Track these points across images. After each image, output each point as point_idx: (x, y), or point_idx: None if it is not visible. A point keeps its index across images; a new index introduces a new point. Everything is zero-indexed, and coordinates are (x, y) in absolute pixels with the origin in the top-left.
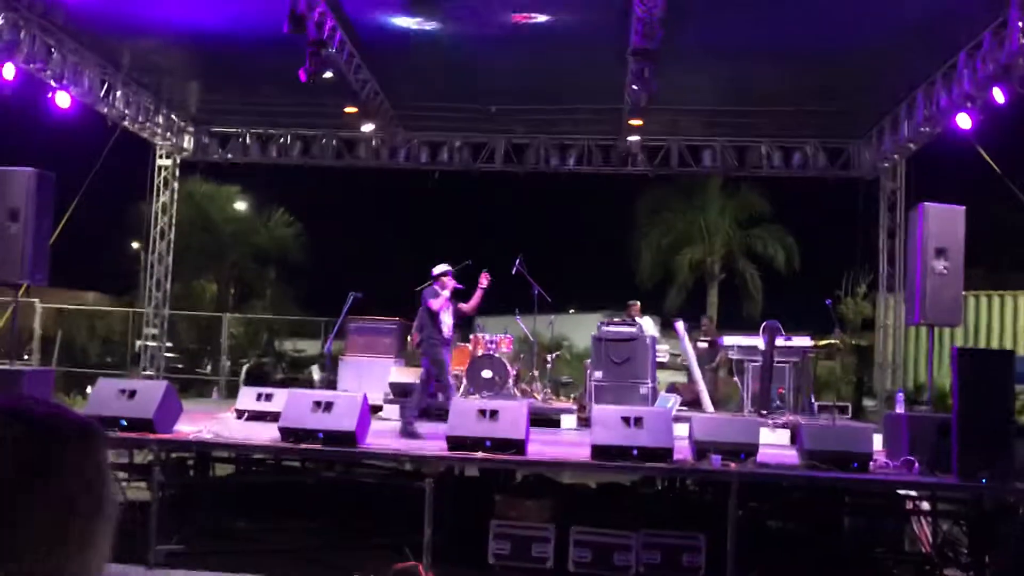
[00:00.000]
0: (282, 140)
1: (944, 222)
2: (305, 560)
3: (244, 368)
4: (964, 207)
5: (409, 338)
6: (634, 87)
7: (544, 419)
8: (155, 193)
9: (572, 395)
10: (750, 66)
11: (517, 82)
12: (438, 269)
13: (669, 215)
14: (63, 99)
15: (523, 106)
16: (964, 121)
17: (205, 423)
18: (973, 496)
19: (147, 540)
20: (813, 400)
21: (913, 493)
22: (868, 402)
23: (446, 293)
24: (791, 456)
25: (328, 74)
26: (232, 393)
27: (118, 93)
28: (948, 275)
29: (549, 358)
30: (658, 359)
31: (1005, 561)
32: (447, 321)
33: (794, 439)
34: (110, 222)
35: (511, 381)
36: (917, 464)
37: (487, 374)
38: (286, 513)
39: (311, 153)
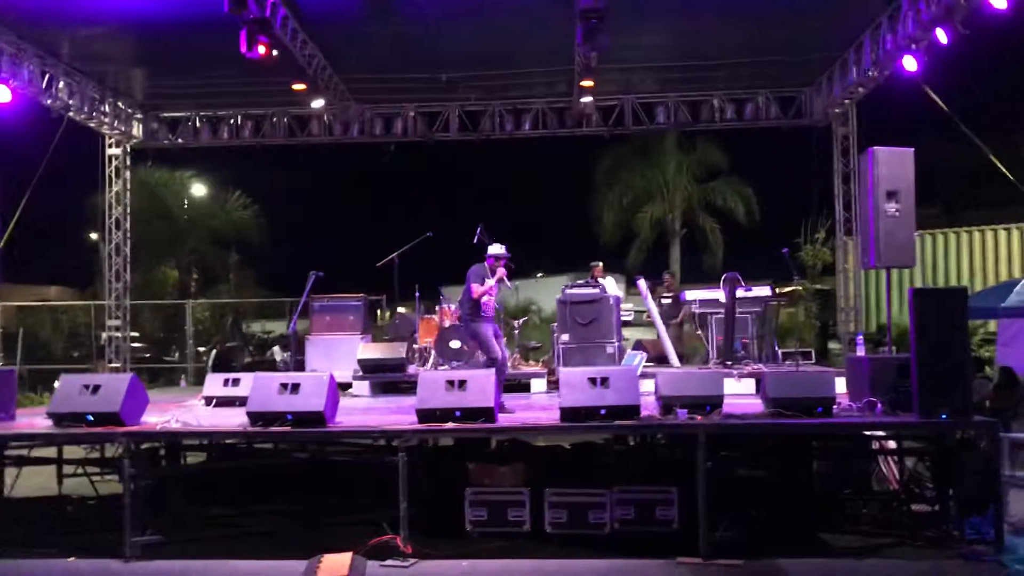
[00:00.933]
0: (233, 121)
1: (894, 165)
2: (282, 542)
3: (212, 353)
4: (913, 149)
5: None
6: (584, 47)
7: (515, 384)
8: (107, 183)
9: (541, 359)
10: (698, 21)
11: (467, 48)
12: (495, 249)
13: (627, 174)
14: (3, 93)
15: (475, 72)
16: (910, 63)
17: (173, 412)
18: (934, 433)
19: (122, 533)
20: (777, 348)
21: (879, 433)
22: (833, 346)
23: (491, 282)
24: (757, 405)
25: (273, 52)
26: (200, 380)
27: (60, 84)
28: (900, 217)
29: (516, 324)
30: (623, 318)
31: (968, 493)
32: (490, 300)
33: (759, 388)
34: (66, 215)
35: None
36: (879, 405)
37: (455, 344)
38: (261, 497)
39: (263, 133)
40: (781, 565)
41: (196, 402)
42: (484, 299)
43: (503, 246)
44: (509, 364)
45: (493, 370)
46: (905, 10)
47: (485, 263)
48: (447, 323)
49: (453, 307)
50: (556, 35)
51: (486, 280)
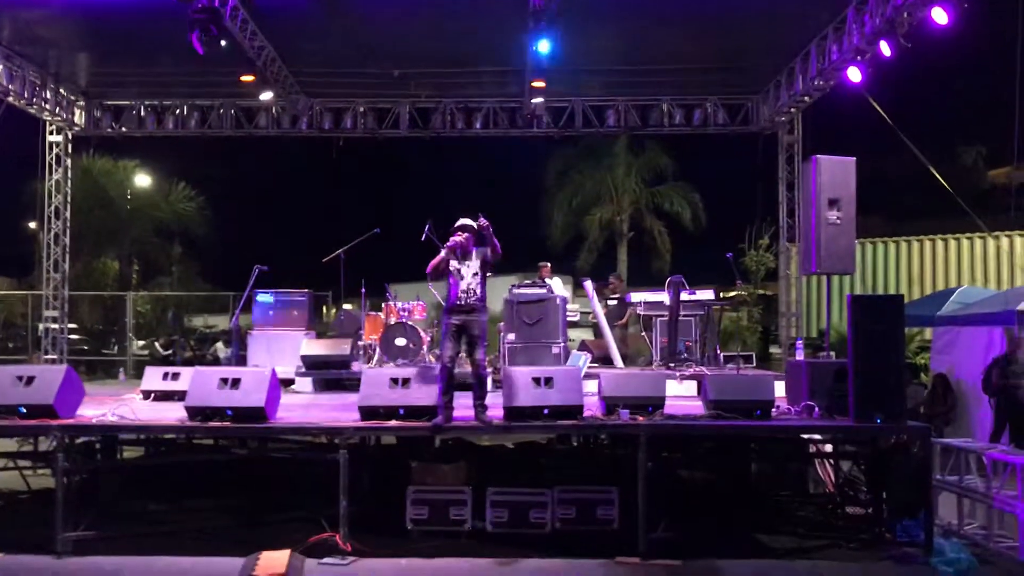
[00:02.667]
0: (179, 111)
1: (836, 173)
2: (219, 538)
3: (157, 344)
4: (855, 158)
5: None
6: (534, 49)
7: (460, 383)
8: (48, 171)
9: (487, 358)
10: (648, 27)
11: (420, 45)
12: (462, 220)
13: (577, 176)
14: None
15: (427, 69)
16: (854, 74)
17: (110, 406)
18: (869, 437)
19: (54, 528)
20: (719, 351)
21: (816, 437)
22: (774, 350)
23: (442, 252)
24: (698, 407)
25: (222, 42)
26: (140, 374)
27: (0, 67)
28: (841, 224)
29: None
30: (569, 318)
31: (900, 496)
32: (458, 284)
33: (700, 390)
34: (4, 203)
35: (425, 348)
36: (817, 409)
37: (401, 342)
38: (199, 493)
39: (209, 124)
40: (718, 565)
41: (134, 396)
42: (458, 283)
43: (466, 218)
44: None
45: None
46: (850, 22)
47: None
48: (392, 320)
49: (399, 304)
50: (508, 34)
51: (440, 255)
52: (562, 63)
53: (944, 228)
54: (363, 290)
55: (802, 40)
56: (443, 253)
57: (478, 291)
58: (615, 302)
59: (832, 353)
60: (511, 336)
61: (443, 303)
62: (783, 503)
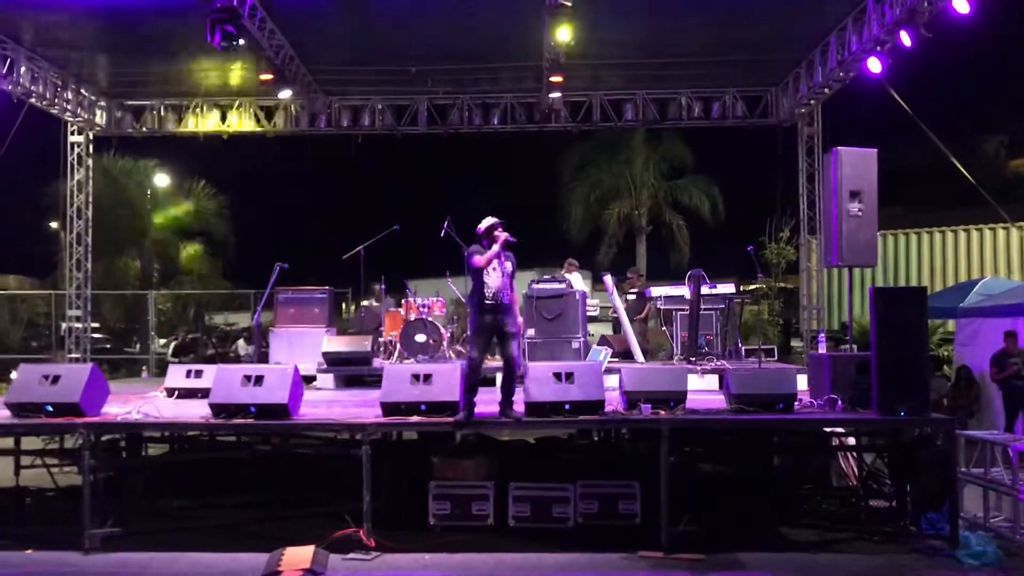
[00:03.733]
0: (198, 111)
1: (857, 165)
2: (244, 534)
3: (172, 345)
4: (876, 150)
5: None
6: (553, 43)
7: (481, 379)
8: (70, 171)
9: None
10: (666, 19)
11: (437, 42)
12: (485, 222)
13: (595, 170)
14: None
15: (444, 66)
16: (874, 65)
17: (135, 403)
18: (893, 429)
19: (81, 525)
20: (740, 345)
21: (838, 430)
22: (795, 343)
23: (496, 247)
24: (719, 401)
25: (241, 41)
26: (163, 372)
27: (22, 69)
28: (863, 216)
29: None
30: (588, 313)
31: (924, 489)
32: (491, 283)
33: (722, 384)
34: (26, 203)
35: (445, 344)
36: (839, 402)
37: (421, 338)
38: (223, 489)
39: (228, 123)
40: (741, 559)
41: (158, 393)
42: (492, 282)
43: (488, 219)
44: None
45: (460, 363)
46: (870, 12)
47: (479, 244)
48: (412, 316)
49: (419, 300)
50: (526, 30)
51: (488, 253)
52: (580, 57)
53: (966, 219)
54: (383, 287)
55: (821, 31)
56: (497, 248)
57: (510, 291)
58: (634, 296)
59: (854, 346)
60: (531, 331)
61: (468, 300)
62: (806, 496)
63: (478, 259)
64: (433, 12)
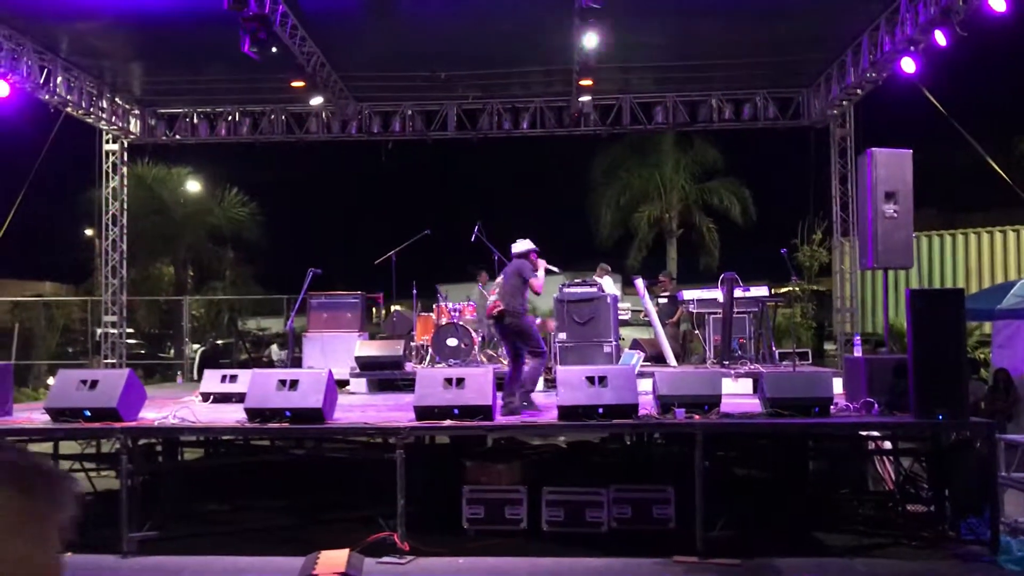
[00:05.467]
0: (231, 118)
1: (892, 166)
2: (279, 538)
3: (198, 352)
4: (911, 151)
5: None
6: (581, 47)
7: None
8: (104, 179)
9: None
10: (697, 21)
11: (466, 47)
12: (525, 245)
13: (625, 173)
14: (1, 88)
15: (473, 71)
16: (908, 65)
17: (170, 408)
18: (931, 433)
19: (119, 528)
20: (774, 348)
21: (874, 433)
22: (829, 346)
23: (542, 272)
24: (754, 405)
25: (273, 49)
26: (197, 376)
27: (59, 79)
28: (898, 218)
29: None
30: (620, 317)
31: (963, 493)
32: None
33: (756, 388)
34: (62, 211)
35: (476, 348)
36: (876, 405)
37: (452, 342)
38: (258, 493)
39: (261, 130)
40: (777, 564)
41: (193, 398)
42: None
43: (527, 239)
44: (505, 363)
45: (492, 368)
46: (903, 12)
47: (523, 261)
48: (444, 321)
49: (450, 305)
50: (555, 34)
51: (537, 274)
52: (609, 60)
53: (1002, 220)
54: (414, 291)
55: (853, 31)
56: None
57: None
58: (665, 300)
59: (893, 347)
60: (562, 335)
61: (518, 307)
62: (842, 501)
63: (536, 283)
64: (462, 17)
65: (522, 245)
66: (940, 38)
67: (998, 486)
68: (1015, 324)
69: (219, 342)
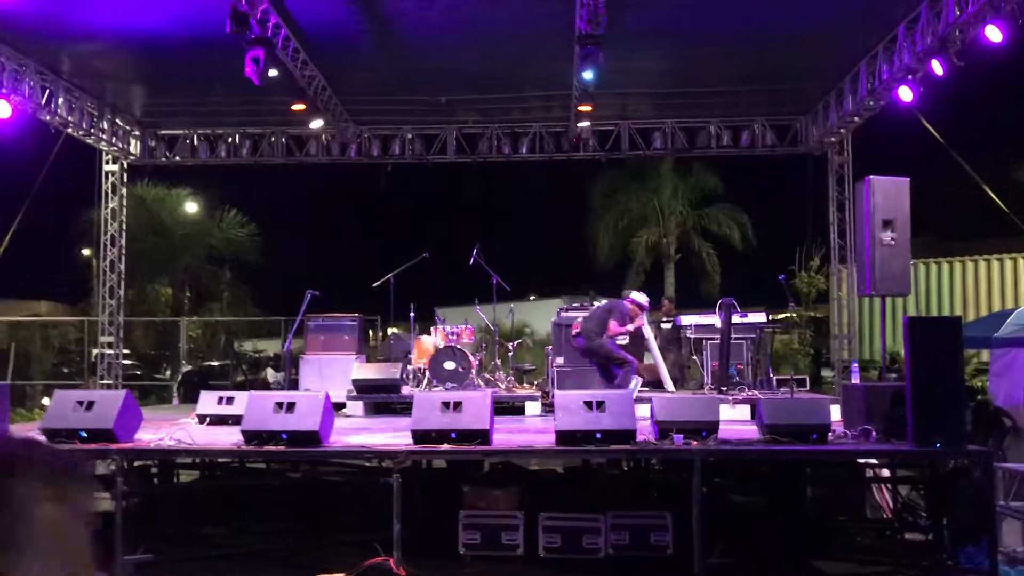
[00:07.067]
0: (231, 140)
1: (889, 194)
2: (274, 562)
3: (180, 374)
4: (908, 179)
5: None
6: (581, 73)
7: (509, 407)
8: (103, 199)
9: (535, 382)
10: (695, 48)
11: (466, 71)
12: (640, 297)
13: (624, 198)
14: (3, 108)
15: (473, 95)
16: (906, 94)
17: (167, 430)
18: (928, 461)
19: (113, 551)
20: (771, 374)
21: (872, 461)
22: (826, 373)
23: (630, 327)
24: (752, 431)
25: (273, 72)
26: (180, 400)
27: (60, 100)
28: (896, 246)
29: (511, 346)
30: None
31: (962, 522)
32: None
33: (754, 414)
34: (60, 230)
35: (474, 371)
36: (874, 433)
37: (450, 366)
38: (253, 516)
39: (261, 152)
40: None
41: (190, 420)
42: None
43: (647, 297)
44: (503, 387)
45: (490, 391)
46: (901, 41)
47: (631, 304)
48: (442, 344)
49: (448, 328)
50: (554, 59)
51: (627, 323)
52: (609, 86)
53: (999, 248)
54: (412, 314)
55: (851, 59)
56: (631, 328)
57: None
58: (668, 325)
59: (892, 375)
60: (560, 359)
61: (603, 331)
62: (840, 529)
63: (614, 327)
64: (463, 42)
65: (635, 295)
66: (937, 67)
67: (996, 515)
68: (1012, 352)
69: (203, 363)
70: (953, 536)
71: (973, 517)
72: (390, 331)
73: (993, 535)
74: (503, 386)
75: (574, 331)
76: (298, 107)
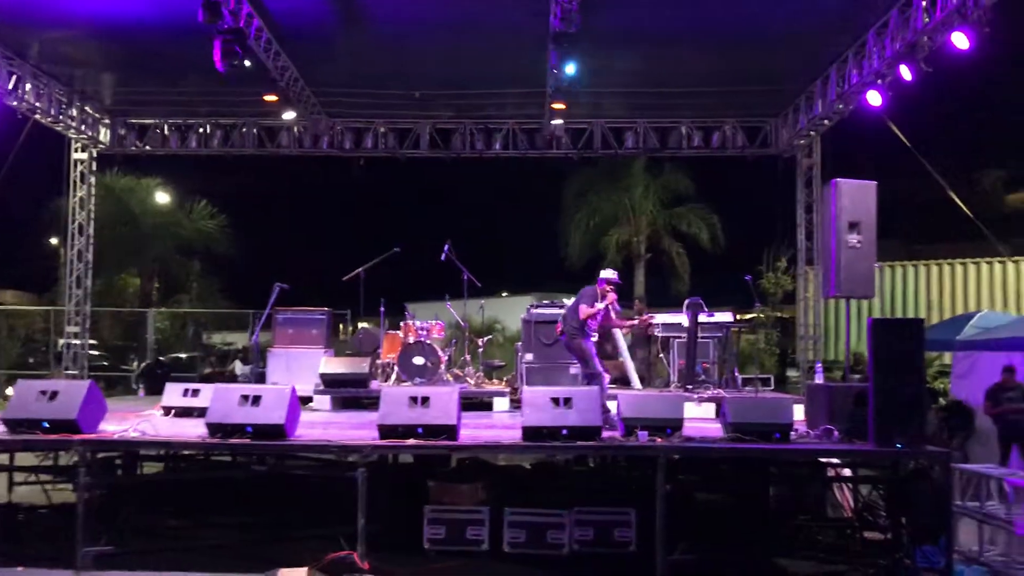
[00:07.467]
0: (202, 130)
1: (856, 197)
2: (238, 555)
3: (140, 367)
4: (876, 182)
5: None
6: (556, 71)
7: (477, 403)
8: (72, 188)
9: (504, 378)
10: (669, 49)
11: (441, 67)
12: (606, 274)
13: (595, 197)
14: None
15: (448, 91)
16: (874, 98)
17: (131, 421)
18: (889, 461)
19: (74, 543)
20: (737, 373)
21: (834, 461)
22: (792, 373)
23: (600, 305)
24: (716, 429)
25: (246, 62)
26: (143, 393)
27: (28, 86)
28: (861, 248)
29: (481, 342)
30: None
31: (920, 522)
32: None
33: (719, 413)
34: (27, 219)
35: (443, 367)
36: (836, 432)
37: (419, 361)
38: (218, 509)
39: (232, 142)
40: None
41: (155, 412)
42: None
43: (614, 271)
44: (472, 382)
45: (457, 387)
46: (870, 46)
47: (596, 286)
48: (411, 339)
49: (418, 323)
50: (529, 57)
51: (596, 303)
52: (582, 85)
53: (963, 252)
54: (382, 309)
55: (822, 63)
56: (603, 308)
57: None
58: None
59: (855, 376)
60: (529, 356)
61: (582, 327)
62: (802, 527)
63: (584, 309)
64: (438, 38)
65: (604, 273)
66: (905, 73)
67: (953, 515)
68: (974, 355)
69: (171, 355)
70: (911, 535)
71: (931, 517)
72: (360, 325)
73: (950, 535)
74: (472, 382)
75: (558, 330)
76: (270, 98)
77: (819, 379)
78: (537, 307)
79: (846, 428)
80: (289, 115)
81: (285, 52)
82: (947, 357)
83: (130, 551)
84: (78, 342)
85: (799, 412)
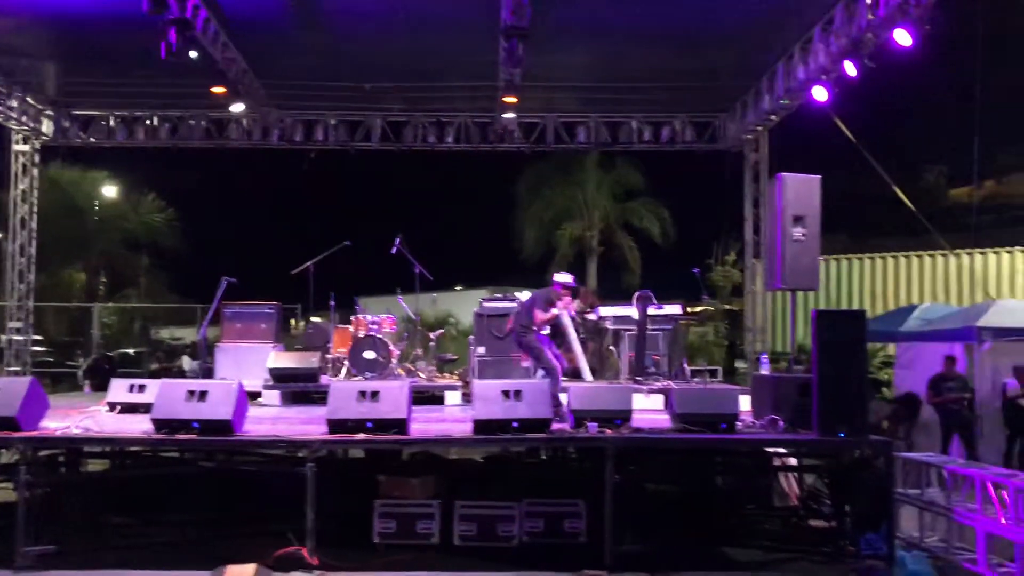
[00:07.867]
0: (149, 122)
1: (801, 191)
2: (185, 552)
3: (84, 364)
4: (820, 176)
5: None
6: (506, 64)
7: (429, 397)
8: (14, 180)
9: (456, 371)
10: (619, 45)
11: (392, 59)
12: (562, 277)
13: (549, 191)
14: None
15: (399, 83)
16: (820, 94)
17: (75, 418)
18: (832, 450)
19: (13, 542)
20: (686, 365)
21: (780, 450)
22: (740, 364)
23: (555, 311)
24: (665, 420)
25: (193, 53)
26: (89, 389)
27: None
28: (806, 241)
29: (433, 336)
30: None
31: (863, 509)
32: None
33: (667, 404)
34: None
35: (394, 361)
36: (781, 422)
37: (370, 355)
38: (165, 506)
39: (180, 134)
40: None
41: (99, 408)
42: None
43: (570, 275)
44: (424, 376)
45: (408, 381)
46: (816, 42)
47: (551, 288)
48: (361, 333)
49: (368, 317)
50: (481, 51)
51: (551, 309)
52: (534, 80)
53: (907, 245)
54: (332, 303)
55: (770, 59)
56: (557, 313)
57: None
58: (589, 315)
59: (799, 367)
60: (481, 349)
61: (531, 325)
62: (749, 516)
63: (540, 315)
64: (389, 31)
65: (558, 276)
66: (850, 69)
67: (895, 502)
68: (917, 346)
69: (118, 351)
70: (855, 523)
71: (874, 504)
72: (311, 320)
73: (891, 522)
74: (424, 376)
75: (508, 327)
76: (218, 90)
77: (765, 370)
78: (489, 301)
79: (791, 418)
80: (238, 107)
81: (234, 44)
82: (891, 348)
83: (74, 550)
84: (21, 338)
85: (746, 403)
